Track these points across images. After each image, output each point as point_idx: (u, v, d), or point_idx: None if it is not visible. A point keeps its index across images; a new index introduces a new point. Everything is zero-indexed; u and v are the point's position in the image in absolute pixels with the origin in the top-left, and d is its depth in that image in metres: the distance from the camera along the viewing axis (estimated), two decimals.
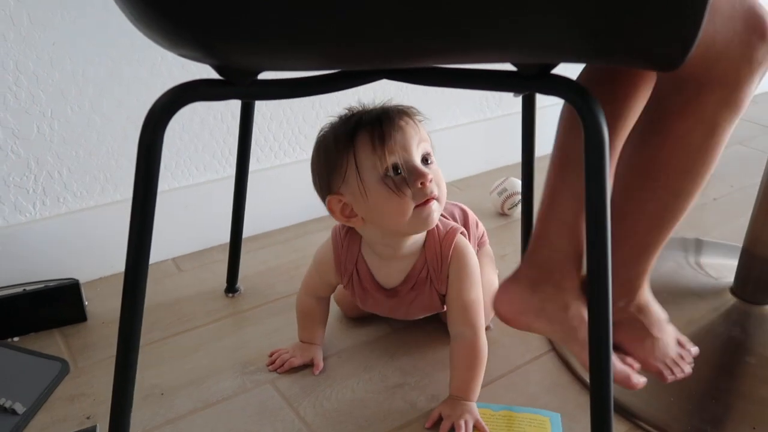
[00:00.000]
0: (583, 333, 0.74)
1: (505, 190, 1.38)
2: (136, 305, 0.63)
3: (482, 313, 0.88)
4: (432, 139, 0.84)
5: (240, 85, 0.57)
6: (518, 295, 0.77)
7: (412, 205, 0.77)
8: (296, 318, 0.98)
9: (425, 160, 0.79)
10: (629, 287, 0.73)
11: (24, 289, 1.03)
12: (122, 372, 0.67)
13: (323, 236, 0.95)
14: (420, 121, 0.82)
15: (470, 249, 0.88)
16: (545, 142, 0.86)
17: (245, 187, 1.05)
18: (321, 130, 0.83)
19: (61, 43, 0.99)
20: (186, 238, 1.24)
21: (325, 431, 0.85)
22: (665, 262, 1.23)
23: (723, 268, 1.17)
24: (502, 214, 1.41)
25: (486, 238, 1.09)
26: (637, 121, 0.65)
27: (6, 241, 1.04)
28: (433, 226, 0.83)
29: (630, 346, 0.76)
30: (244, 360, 0.98)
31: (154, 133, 0.55)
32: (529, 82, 0.56)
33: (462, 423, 0.82)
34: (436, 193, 0.78)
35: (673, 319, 1.04)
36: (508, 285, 0.79)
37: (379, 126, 0.76)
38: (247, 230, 1.16)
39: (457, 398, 0.86)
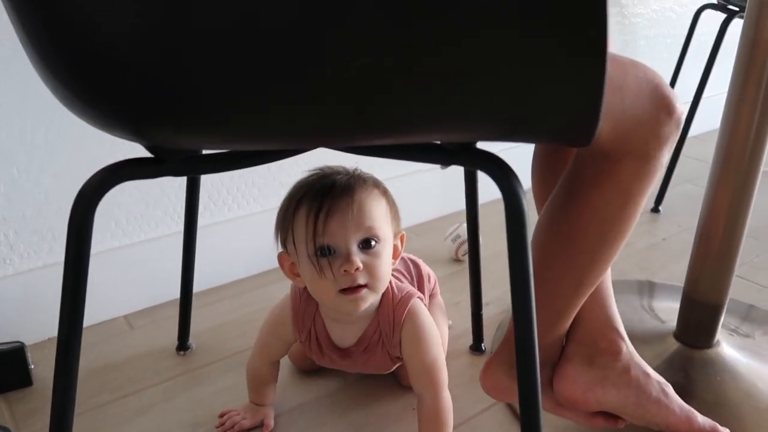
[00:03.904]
0: (655, 390, 0.77)
1: (458, 236, 1.40)
2: (69, 386, 0.62)
3: (443, 371, 0.87)
4: (389, 185, 0.84)
5: (172, 162, 0.58)
6: (577, 373, 0.77)
7: (335, 289, 0.77)
8: (246, 379, 0.97)
9: (367, 242, 0.78)
10: (550, 352, 0.75)
11: None
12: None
13: (276, 288, 0.96)
14: (382, 193, 0.81)
15: (424, 313, 0.88)
16: (488, 189, 0.87)
17: (194, 243, 1.05)
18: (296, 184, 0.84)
19: (7, 104, 1.00)
20: (138, 294, 1.23)
21: None
22: (618, 305, 1.26)
23: (673, 311, 1.20)
24: (456, 260, 1.43)
25: (437, 289, 1.11)
26: (557, 189, 0.68)
27: None
28: (360, 311, 0.81)
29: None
30: (194, 421, 0.97)
31: (85, 217, 0.55)
32: (453, 157, 0.58)
33: None
34: (363, 281, 0.77)
35: None
36: (563, 367, 0.77)
37: (318, 204, 0.76)
38: (200, 284, 1.16)
39: None
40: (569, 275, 0.68)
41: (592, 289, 0.70)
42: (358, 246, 0.77)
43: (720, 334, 1.09)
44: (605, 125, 0.55)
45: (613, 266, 1.48)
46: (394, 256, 0.83)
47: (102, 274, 1.17)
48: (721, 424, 0.95)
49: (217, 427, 0.94)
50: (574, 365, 0.76)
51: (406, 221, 1.66)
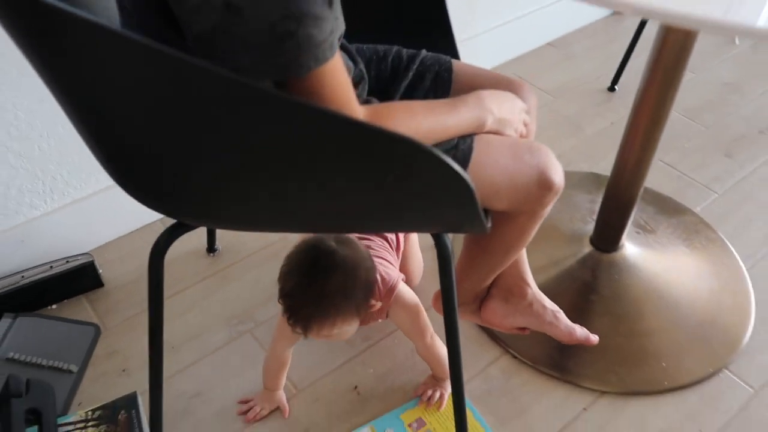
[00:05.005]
0: (549, 316, 1.10)
1: None
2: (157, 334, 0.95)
3: (426, 325, 1.12)
4: None
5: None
6: (498, 307, 1.10)
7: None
8: (264, 369, 1.16)
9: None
10: (479, 293, 1.09)
11: (50, 266, 1.33)
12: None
13: None
14: (357, 306, 0.97)
15: (406, 294, 1.09)
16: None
17: None
18: (296, 250, 0.98)
19: None
20: None
21: (295, 366, 1.21)
22: (566, 200, 1.54)
23: None
24: None
25: None
26: None
27: (28, 232, 1.32)
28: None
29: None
30: (228, 314, 1.33)
31: (158, 263, 0.84)
32: None
33: (437, 393, 1.17)
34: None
35: (541, 260, 1.38)
36: (488, 303, 1.10)
37: (301, 325, 0.95)
38: None
39: (434, 376, 1.20)
40: (488, 266, 0.98)
41: (500, 270, 1.00)
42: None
43: (627, 234, 1.40)
44: (502, 204, 0.81)
45: (560, 157, 1.74)
46: (373, 309, 1.03)
47: None
48: (617, 313, 1.32)
49: (239, 413, 1.16)
50: (495, 302, 1.09)
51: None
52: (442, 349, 1.15)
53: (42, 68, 0.65)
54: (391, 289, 1.08)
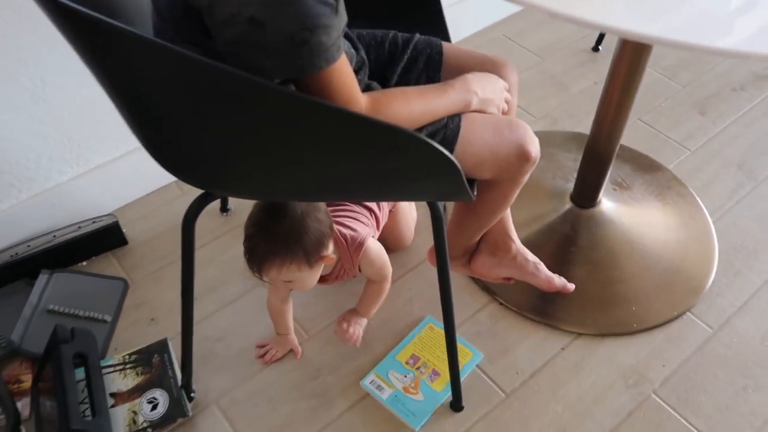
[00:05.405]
0: (531, 268, 1.24)
1: None
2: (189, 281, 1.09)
3: (389, 272, 1.26)
4: None
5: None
6: (486, 260, 1.24)
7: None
8: (269, 316, 1.31)
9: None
10: (469, 247, 1.22)
11: (79, 227, 1.46)
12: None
13: None
14: (307, 256, 1.06)
15: (373, 248, 1.20)
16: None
17: None
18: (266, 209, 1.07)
19: (72, 56, 1.29)
20: None
21: (307, 314, 1.36)
22: (548, 158, 1.67)
23: None
24: None
25: None
26: None
27: (59, 195, 1.45)
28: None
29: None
30: (243, 268, 1.45)
31: (190, 226, 0.97)
32: None
33: (353, 328, 1.27)
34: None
35: (526, 215, 1.52)
36: (477, 256, 1.24)
37: (253, 251, 1.07)
38: None
39: (357, 312, 1.31)
40: (476, 225, 1.12)
41: (487, 227, 1.14)
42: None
43: (605, 191, 1.53)
44: (486, 174, 0.93)
45: (546, 116, 1.84)
46: (327, 262, 1.12)
47: None
48: (593, 263, 1.46)
49: (256, 357, 1.30)
50: (483, 255, 1.24)
51: None
52: (385, 294, 1.28)
53: (91, 65, 0.77)
54: (358, 245, 1.19)
